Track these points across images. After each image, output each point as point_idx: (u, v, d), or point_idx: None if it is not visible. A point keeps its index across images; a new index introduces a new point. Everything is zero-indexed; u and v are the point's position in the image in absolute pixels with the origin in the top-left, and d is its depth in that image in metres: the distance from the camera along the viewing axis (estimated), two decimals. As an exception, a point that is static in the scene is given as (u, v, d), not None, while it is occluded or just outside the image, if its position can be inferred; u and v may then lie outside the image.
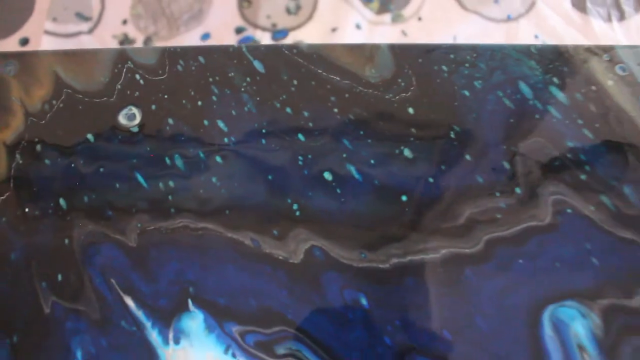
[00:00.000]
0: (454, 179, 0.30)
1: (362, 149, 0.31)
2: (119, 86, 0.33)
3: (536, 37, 0.51)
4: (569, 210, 0.30)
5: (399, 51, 0.33)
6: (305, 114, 0.32)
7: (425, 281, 0.29)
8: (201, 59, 0.33)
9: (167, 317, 0.29)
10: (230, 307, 0.29)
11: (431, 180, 0.30)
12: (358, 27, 0.50)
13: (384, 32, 0.50)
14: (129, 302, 0.29)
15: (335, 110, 0.32)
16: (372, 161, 0.31)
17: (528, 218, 0.30)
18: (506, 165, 0.31)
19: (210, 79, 0.33)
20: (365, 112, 0.32)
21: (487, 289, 0.29)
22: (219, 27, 0.50)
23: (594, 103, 0.32)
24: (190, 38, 0.50)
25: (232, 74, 0.33)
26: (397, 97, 0.32)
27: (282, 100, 0.32)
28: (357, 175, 0.30)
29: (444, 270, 0.29)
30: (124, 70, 0.33)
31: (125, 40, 0.50)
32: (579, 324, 0.28)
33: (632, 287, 0.29)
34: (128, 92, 0.33)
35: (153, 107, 0.33)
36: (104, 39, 0.50)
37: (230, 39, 0.50)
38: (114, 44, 0.50)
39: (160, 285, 0.29)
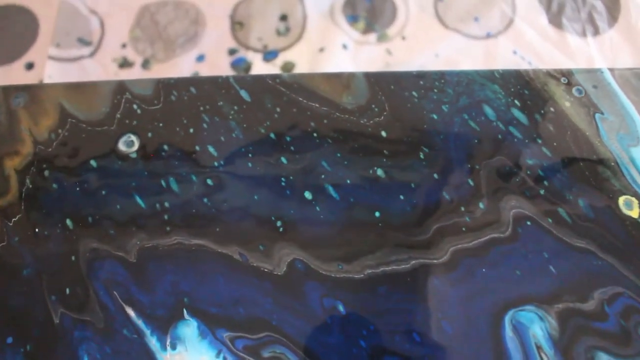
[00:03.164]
0: (423, 196, 0.33)
1: (339, 170, 0.34)
2: (119, 115, 0.36)
3: (515, 52, 0.54)
4: (528, 223, 0.33)
5: (373, 79, 0.36)
6: (288, 138, 0.35)
7: (396, 289, 0.32)
8: (192, 89, 0.37)
9: (164, 325, 0.32)
10: (221, 315, 0.32)
11: (402, 197, 0.33)
12: (345, 47, 0.53)
13: (370, 51, 0.54)
14: (130, 312, 0.32)
15: (315, 134, 0.35)
16: (348, 181, 0.34)
17: (491, 230, 0.33)
18: (471, 182, 0.34)
19: (201, 108, 0.36)
20: (342, 136, 0.35)
21: (453, 295, 0.32)
22: (213, 49, 0.54)
23: (553, 123, 0.35)
24: (186, 60, 0.53)
25: (221, 102, 0.36)
26: (371, 122, 0.35)
27: (266, 126, 0.35)
28: (334, 194, 0.34)
29: (413, 279, 0.32)
30: (123, 100, 0.37)
31: (125, 63, 0.53)
32: (537, 326, 0.31)
33: (587, 292, 0.32)
34: (127, 121, 0.36)
35: (149, 134, 0.36)
36: (105, 62, 0.53)
37: (224, 60, 0.54)
38: (114, 67, 0.53)
39: (157, 296, 0.33)
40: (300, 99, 0.36)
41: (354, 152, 0.34)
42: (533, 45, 0.53)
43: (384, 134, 0.35)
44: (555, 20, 0.55)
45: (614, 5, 0.55)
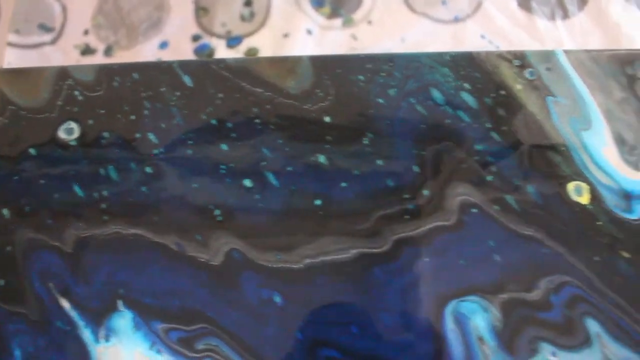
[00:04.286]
0: (366, 183, 0.32)
1: (280, 156, 0.33)
2: (60, 102, 0.36)
3: (482, 37, 0.53)
4: (474, 210, 0.32)
5: (319, 63, 0.35)
6: (229, 125, 0.34)
7: (335, 280, 0.31)
8: (135, 75, 0.36)
9: (99, 317, 0.31)
10: (156, 306, 0.31)
11: (344, 184, 0.32)
12: (309, 32, 0.52)
13: (335, 37, 0.52)
14: (65, 303, 0.32)
15: (257, 121, 0.34)
16: (289, 168, 0.33)
17: (435, 218, 0.32)
18: (416, 168, 0.33)
19: (143, 94, 0.35)
20: (285, 121, 0.34)
21: (393, 286, 0.31)
22: (177, 36, 0.53)
23: (503, 107, 0.34)
24: (148, 47, 0.52)
25: (163, 89, 0.35)
26: (315, 107, 0.34)
27: (208, 112, 0.34)
28: (274, 182, 0.33)
29: (353, 269, 0.31)
30: (65, 87, 0.36)
31: (87, 50, 0.52)
32: (480, 317, 0.30)
33: (532, 281, 0.31)
34: (68, 108, 0.35)
35: (90, 121, 0.35)
36: (66, 49, 0.52)
37: (187, 47, 0.53)
38: (75, 54, 0.52)
39: (93, 287, 0.32)
40: (244, 84, 0.35)
41: (296, 138, 0.33)
42: (502, 29, 0.52)
43: (327, 119, 0.34)
44: (525, 3, 0.53)
45: (585, -12, 0.53)
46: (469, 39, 0.52)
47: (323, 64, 0.35)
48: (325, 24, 0.52)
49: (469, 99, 0.34)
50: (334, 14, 0.53)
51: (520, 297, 0.31)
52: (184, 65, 0.35)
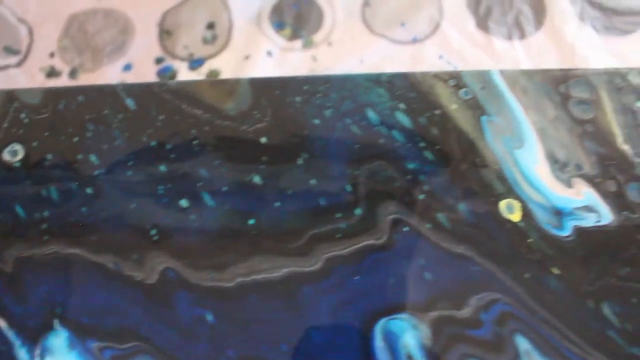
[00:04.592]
0: (299, 203, 0.33)
1: (216, 177, 0.34)
2: (6, 124, 0.36)
3: (441, 57, 0.53)
4: (405, 229, 0.32)
5: (258, 84, 0.36)
6: (168, 146, 0.35)
7: (266, 298, 0.31)
8: (81, 98, 0.36)
9: (35, 336, 0.32)
10: (92, 325, 0.32)
11: (278, 204, 0.33)
12: (269, 54, 0.53)
13: (295, 58, 0.53)
14: (1, 323, 0.32)
15: (196, 142, 0.34)
16: (225, 188, 0.33)
17: (366, 237, 0.32)
18: (348, 188, 0.33)
19: (87, 117, 0.36)
20: (222, 143, 0.34)
21: (323, 304, 0.31)
22: (140, 58, 0.54)
23: (437, 126, 0.34)
24: (113, 69, 0.53)
25: (107, 111, 0.36)
26: (252, 128, 0.34)
27: (148, 134, 0.35)
28: (210, 202, 0.33)
29: (284, 288, 0.32)
30: (12, 109, 0.37)
31: (52, 72, 0.53)
32: (409, 335, 0.31)
33: (462, 298, 0.31)
34: (13, 130, 0.36)
35: (35, 143, 0.36)
36: (32, 72, 0.53)
37: (150, 69, 0.53)
38: (41, 77, 0.53)
39: (30, 307, 0.32)
40: (184, 106, 0.35)
41: (233, 159, 0.34)
42: (459, 50, 0.53)
43: (264, 140, 0.34)
44: (483, 24, 0.54)
45: (540, 9, 0.54)
46: (428, 59, 0.53)
47: (261, 86, 0.35)
48: (285, 45, 0.53)
49: (403, 118, 0.34)
50: (294, 35, 0.54)
51: (450, 315, 0.31)
52: (127, 88, 0.36)
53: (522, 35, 0.53)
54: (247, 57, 0.53)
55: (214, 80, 0.35)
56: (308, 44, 0.54)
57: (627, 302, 0.32)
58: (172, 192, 0.33)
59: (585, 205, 0.33)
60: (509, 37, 0.53)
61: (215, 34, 0.54)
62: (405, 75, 0.35)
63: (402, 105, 0.34)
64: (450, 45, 0.53)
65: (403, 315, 0.31)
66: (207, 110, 0.35)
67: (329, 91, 0.35)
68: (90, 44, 0.54)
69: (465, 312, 0.31)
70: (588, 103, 0.35)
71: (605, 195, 0.34)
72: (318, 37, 0.54)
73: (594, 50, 0.52)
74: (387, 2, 0.55)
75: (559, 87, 0.36)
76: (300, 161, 0.33)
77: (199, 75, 0.52)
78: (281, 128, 0.34)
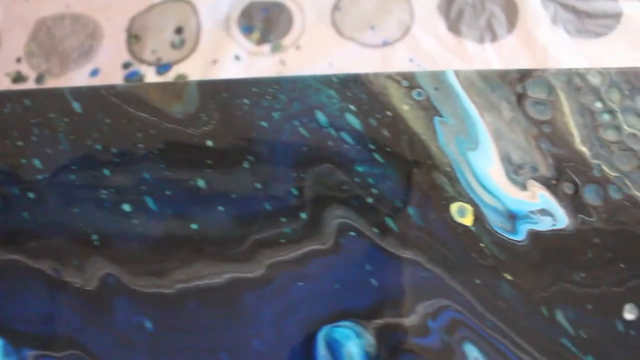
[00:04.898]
0: (243, 207, 0.32)
1: (160, 181, 0.33)
2: (-49, 129, 0.36)
3: (411, 60, 0.53)
4: (352, 233, 0.31)
5: (206, 87, 0.35)
6: (114, 150, 0.34)
7: (207, 305, 0.30)
8: (27, 101, 0.36)
9: (-30, 346, 0.31)
10: (28, 332, 0.31)
11: (221, 208, 0.32)
12: (237, 58, 0.52)
13: (263, 62, 0.53)
14: (-64, 332, 0.31)
15: (141, 146, 0.34)
16: (169, 192, 0.33)
17: (311, 242, 0.31)
18: (294, 191, 0.32)
19: (33, 121, 0.35)
20: (168, 146, 0.34)
21: (266, 311, 0.30)
22: (108, 63, 0.53)
23: (388, 128, 0.33)
24: (79, 74, 0.53)
25: (53, 115, 0.35)
26: (199, 131, 0.34)
27: (94, 138, 0.34)
28: (153, 207, 0.32)
29: (225, 295, 0.31)
30: (-42, 114, 0.36)
31: (18, 77, 0.53)
32: (353, 343, 0.30)
33: (409, 305, 0.30)
34: (-41, 135, 0.35)
35: (-21, 148, 0.35)
36: (-2, 78, 0.53)
37: (118, 74, 0.53)
38: (7, 82, 0.53)
39: (-33, 315, 0.31)
40: (131, 109, 0.35)
41: (178, 162, 0.33)
42: (430, 53, 0.52)
43: (210, 143, 0.33)
44: (454, 26, 0.53)
45: (512, 11, 0.53)
46: (397, 62, 0.52)
47: (209, 89, 0.35)
48: (253, 50, 0.52)
49: (353, 120, 0.33)
50: (263, 39, 0.53)
51: (396, 323, 0.30)
52: (74, 91, 0.35)
53: (494, 38, 0.53)
54: (214, 62, 0.53)
55: (161, 83, 0.34)
56: (276, 48, 0.53)
57: (582, 309, 0.30)
58: (115, 196, 0.33)
59: (541, 208, 0.32)
60: (481, 40, 0.52)
61: (184, 39, 0.54)
62: (357, 76, 0.34)
63: (352, 107, 0.33)
64: (420, 48, 0.53)
65: (347, 323, 0.30)
66: (154, 114, 0.34)
67: (278, 93, 0.34)
68: (58, 49, 0.54)
69: (412, 320, 0.30)
70: (545, 104, 0.34)
71: (561, 198, 0.32)
72: (287, 41, 0.54)
73: (566, 53, 0.51)
74: (358, 6, 0.54)
75: (515, 87, 0.34)
76: (245, 164, 0.33)
77: (166, 79, 0.51)
78: (228, 131, 0.33)
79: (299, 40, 0.53)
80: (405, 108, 0.34)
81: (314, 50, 0.52)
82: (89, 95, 0.35)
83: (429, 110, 0.34)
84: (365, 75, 0.35)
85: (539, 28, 0.52)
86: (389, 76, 0.35)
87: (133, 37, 0.54)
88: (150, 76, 0.52)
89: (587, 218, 0.32)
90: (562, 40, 0.51)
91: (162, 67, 0.52)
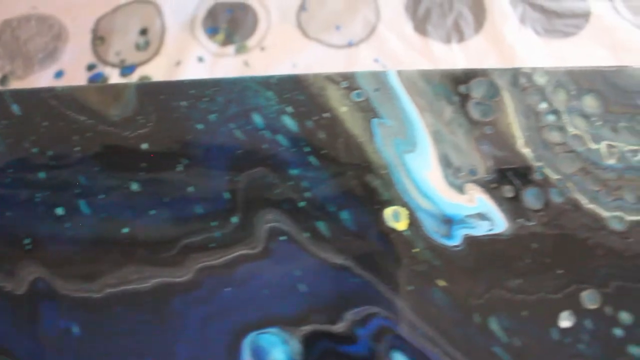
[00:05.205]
0: (175, 211, 0.32)
1: (95, 184, 0.32)
2: None
3: (376, 61, 0.52)
4: (282, 238, 0.31)
5: (144, 89, 0.34)
6: (50, 153, 0.34)
7: (134, 310, 0.30)
8: (-32, 104, 0.36)
9: None
10: (-45, 339, 0.31)
11: (153, 212, 0.32)
12: (201, 60, 0.52)
13: (227, 64, 0.52)
14: None
15: (77, 148, 0.33)
16: (102, 196, 0.32)
17: (241, 246, 0.31)
18: (227, 195, 0.32)
19: (-28, 123, 0.35)
20: (103, 149, 0.33)
21: (192, 316, 0.30)
22: (72, 65, 0.53)
23: (325, 130, 0.33)
24: (44, 76, 0.53)
25: (-8, 117, 0.35)
26: (134, 134, 0.33)
27: (31, 141, 0.34)
28: (86, 210, 0.32)
29: (152, 299, 0.30)
30: None
31: (-16, 81, 0.53)
32: (279, 350, 0.29)
33: (338, 312, 0.30)
34: None
35: None
36: (-36, 81, 0.53)
37: (82, 76, 0.53)
38: (-28, 86, 0.53)
39: None
40: (69, 112, 0.34)
41: (113, 165, 0.33)
42: (395, 53, 0.51)
43: (145, 146, 0.33)
44: (421, 27, 0.52)
45: (480, 11, 0.52)
46: (362, 62, 0.51)
47: (147, 91, 0.34)
48: (218, 51, 0.52)
49: (289, 122, 0.33)
50: (227, 41, 0.53)
51: (323, 329, 0.29)
52: (14, 93, 0.35)
53: (461, 38, 0.52)
54: (178, 63, 0.52)
55: (102, 86, 0.34)
56: (241, 49, 0.53)
57: (516, 316, 0.30)
58: (49, 200, 0.32)
59: (478, 212, 0.31)
60: (448, 40, 0.52)
61: (148, 40, 0.53)
62: (296, 77, 0.34)
63: (289, 109, 0.33)
64: (386, 49, 0.52)
65: (273, 330, 0.29)
66: (91, 116, 0.34)
67: (216, 95, 0.34)
68: (22, 51, 0.54)
69: (340, 327, 0.29)
70: (489, 104, 0.33)
71: (500, 202, 0.32)
72: (251, 42, 0.53)
73: (534, 53, 0.50)
74: (324, 6, 0.53)
75: (459, 87, 0.34)
76: (179, 167, 0.32)
77: (130, 81, 0.51)
78: (164, 134, 0.33)
79: (263, 41, 0.53)
80: (343, 109, 0.33)
81: (279, 51, 0.52)
82: (29, 97, 0.35)
83: (368, 111, 0.33)
84: (305, 76, 0.34)
85: (507, 28, 0.51)
86: (329, 77, 0.34)
87: (98, 39, 0.54)
88: (114, 78, 0.52)
89: (526, 222, 0.31)
90: (530, 40, 0.50)
91: (126, 69, 0.52)
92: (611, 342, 0.30)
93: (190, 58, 0.52)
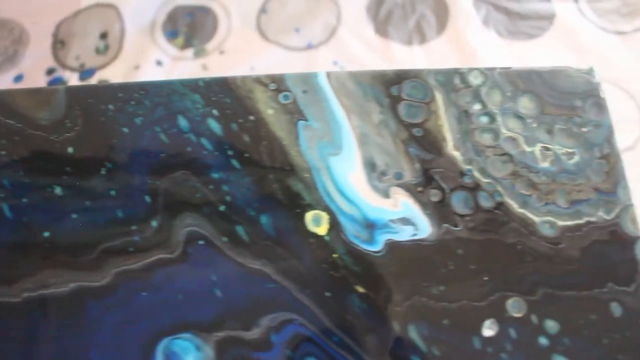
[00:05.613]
0: (95, 215, 0.31)
1: (18, 188, 0.32)
2: None
3: (335, 63, 0.51)
4: (201, 242, 0.30)
5: (73, 93, 0.34)
6: (-24, 157, 0.33)
7: (50, 315, 0.30)
8: None
9: None
10: None
11: (74, 216, 0.31)
12: (159, 63, 0.52)
13: (185, 68, 0.52)
14: None
15: (3, 152, 0.33)
16: (25, 200, 0.32)
17: (159, 251, 0.30)
18: (147, 199, 0.31)
19: None
20: (29, 153, 0.33)
21: (107, 322, 0.29)
22: (32, 69, 0.53)
23: (249, 133, 0.32)
24: (3, 80, 0.53)
25: None
26: (61, 138, 0.33)
27: (-41, 144, 0.34)
28: (9, 214, 0.32)
29: (69, 304, 0.30)
30: None
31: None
32: (192, 356, 0.29)
33: (252, 318, 0.29)
34: None
35: None
36: None
37: (41, 80, 0.53)
38: None
39: None
40: (-1, 116, 0.34)
41: (38, 169, 0.33)
42: (356, 55, 0.50)
43: (70, 150, 0.33)
44: (382, 29, 0.51)
45: (442, 13, 0.52)
46: (321, 65, 0.51)
47: (76, 94, 0.34)
48: (176, 55, 0.52)
49: (214, 125, 0.32)
50: (187, 44, 0.53)
51: (237, 336, 0.29)
52: (-53, 98, 0.35)
53: (423, 40, 0.51)
54: (137, 67, 0.52)
55: (32, 89, 0.34)
56: (200, 53, 0.52)
57: (438, 324, 0.29)
58: (-28, 204, 0.32)
59: (402, 217, 0.31)
60: (409, 42, 0.51)
61: (108, 44, 0.53)
62: (224, 80, 0.33)
63: (215, 112, 0.32)
64: (346, 51, 0.51)
65: (187, 335, 0.29)
66: (20, 120, 0.34)
67: (143, 98, 0.33)
68: (-15, 56, 0.54)
69: (254, 333, 0.29)
70: (419, 106, 0.33)
71: (426, 206, 0.31)
72: (211, 45, 0.53)
73: (497, 55, 0.49)
74: (284, 9, 0.53)
75: (390, 88, 0.33)
76: (103, 171, 0.32)
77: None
78: (90, 137, 0.33)
79: (223, 45, 0.52)
80: (269, 112, 0.33)
81: (238, 55, 0.51)
82: (-40, 101, 0.35)
83: (294, 114, 0.33)
84: (233, 78, 0.34)
85: (470, 29, 0.50)
86: (257, 79, 0.34)
87: (59, 43, 0.54)
88: (74, 82, 0.52)
89: (452, 227, 0.30)
90: (493, 41, 0.49)
91: (85, 73, 0.52)
92: (536, 352, 0.29)
93: (149, 62, 0.52)
